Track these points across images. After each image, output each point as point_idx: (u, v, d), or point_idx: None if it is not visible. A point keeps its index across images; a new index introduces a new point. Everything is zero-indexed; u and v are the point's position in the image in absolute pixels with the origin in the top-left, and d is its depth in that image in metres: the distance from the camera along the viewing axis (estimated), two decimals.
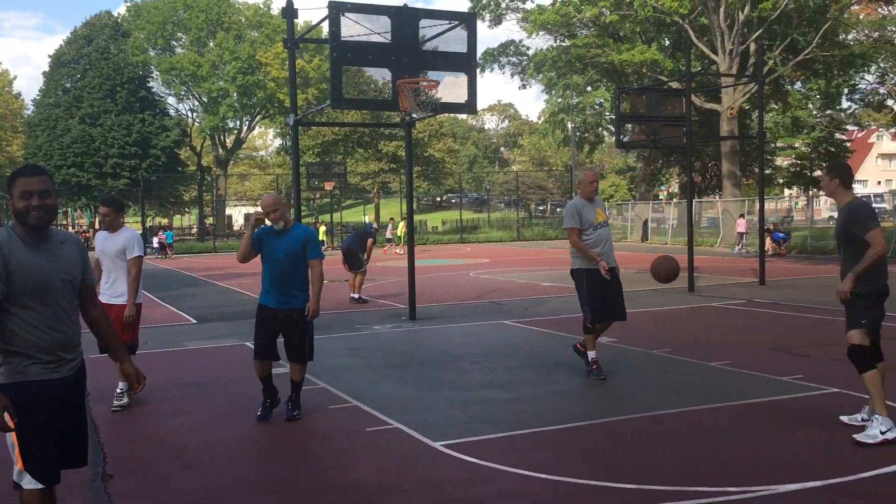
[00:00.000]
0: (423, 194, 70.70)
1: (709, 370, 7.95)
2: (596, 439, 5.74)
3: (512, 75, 47.06)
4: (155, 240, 37.84)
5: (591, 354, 7.71)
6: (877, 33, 38.17)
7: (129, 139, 49.77)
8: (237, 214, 75.21)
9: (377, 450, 5.57)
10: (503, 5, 40.96)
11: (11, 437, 3.24)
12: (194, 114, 59.68)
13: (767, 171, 44.49)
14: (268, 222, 6.31)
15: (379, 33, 11.04)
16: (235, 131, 60.18)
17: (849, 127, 52.02)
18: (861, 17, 38.80)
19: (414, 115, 11.98)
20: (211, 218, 54.88)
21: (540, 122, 57.74)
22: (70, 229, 51.45)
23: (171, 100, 58.67)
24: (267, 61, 51.99)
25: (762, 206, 17.96)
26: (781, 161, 51.59)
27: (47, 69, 54.49)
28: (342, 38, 10.69)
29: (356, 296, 14.84)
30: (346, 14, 10.71)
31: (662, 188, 62.22)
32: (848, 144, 51.73)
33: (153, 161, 50.21)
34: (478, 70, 12.20)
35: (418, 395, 7.19)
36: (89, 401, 4.33)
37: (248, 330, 6.44)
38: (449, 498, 4.62)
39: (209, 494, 4.84)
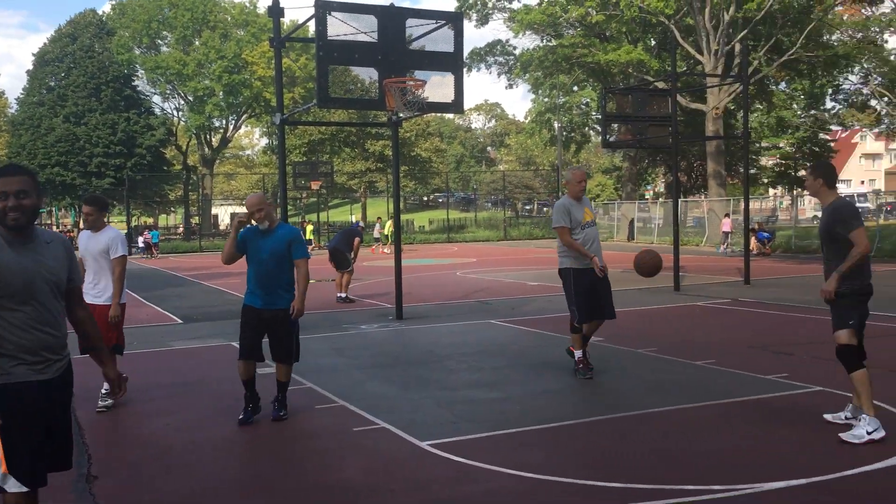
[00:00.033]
0: (409, 194, 70.69)
1: (694, 369, 8.00)
2: (583, 438, 5.76)
3: (499, 75, 47.18)
4: (140, 239, 37.64)
5: (578, 354, 7.73)
6: (860, 34, 38.50)
7: (113, 138, 49.48)
8: (223, 214, 74.91)
9: (364, 450, 5.57)
10: (490, 5, 41.00)
11: None
12: (180, 113, 59.41)
13: (752, 171, 44.74)
14: (253, 222, 6.27)
15: (366, 32, 11.02)
16: (221, 130, 59.93)
17: (833, 127, 52.44)
18: (845, 17, 39.09)
19: (401, 115, 11.97)
20: (197, 217, 54.65)
21: (527, 121, 57.91)
22: (54, 229, 51.07)
23: (156, 99, 58.43)
24: (253, 60, 51.79)
25: (747, 205, 18.07)
26: (766, 161, 51.95)
27: (31, 67, 54.15)
28: (329, 38, 10.66)
29: (343, 295, 14.82)
30: (333, 13, 10.69)
31: (648, 188, 62.53)
32: (832, 144, 52.12)
33: (138, 160, 49.94)
34: (464, 70, 12.20)
35: (405, 395, 7.19)
36: (73, 401, 4.30)
37: (234, 330, 6.42)
38: (436, 497, 4.62)
39: (195, 495, 4.82)
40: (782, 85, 42.81)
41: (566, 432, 5.89)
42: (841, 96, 47.09)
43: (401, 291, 12.68)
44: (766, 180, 50.96)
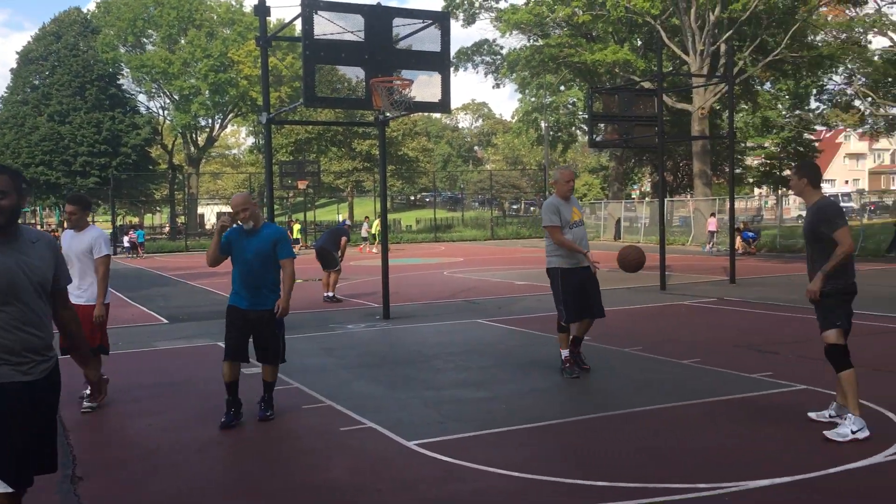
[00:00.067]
0: (397, 193, 70.65)
1: (681, 368, 8.03)
2: (570, 437, 5.78)
3: (486, 74, 47.20)
4: (126, 239, 37.43)
5: (565, 353, 7.75)
6: (844, 35, 38.77)
7: (98, 137, 49.20)
8: (209, 213, 74.53)
9: (351, 449, 5.56)
10: (476, 4, 41.04)
11: None
12: (165, 112, 59.11)
13: (738, 171, 45.02)
14: (240, 222, 6.23)
15: (352, 32, 11.00)
16: (207, 129, 59.67)
17: (817, 127, 52.77)
18: (829, 18, 39.36)
19: (388, 114, 11.96)
20: (182, 217, 54.40)
21: (513, 121, 58.00)
22: (39, 228, 50.71)
23: (141, 97, 58.15)
24: (239, 59, 51.59)
25: (732, 205, 18.16)
26: (751, 161, 52.23)
27: (15, 66, 53.72)
28: (315, 37, 10.64)
29: (330, 294, 14.79)
30: (320, 12, 10.66)
31: (635, 187, 62.78)
32: (816, 144, 52.46)
33: (123, 159, 49.68)
34: (451, 69, 12.21)
35: (392, 395, 7.18)
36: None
37: (220, 330, 6.39)
38: (423, 497, 4.63)
39: (181, 496, 4.80)
40: (767, 85, 43.10)
41: (553, 431, 5.91)
42: (825, 96, 47.42)
43: (388, 291, 12.67)
44: (751, 180, 51.25)
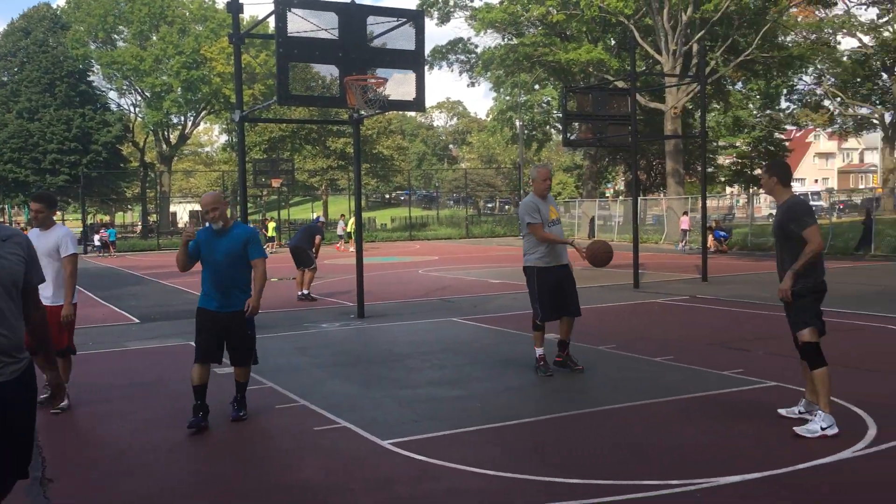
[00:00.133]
0: (371, 191, 70.48)
1: (654, 366, 8.10)
2: (544, 435, 5.80)
3: (460, 73, 47.25)
4: (97, 237, 37.00)
5: (539, 351, 7.78)
6: (814, 35, 39.32)
7: (68, 134, 48.58)
8: (182, 211, 73.93)
9: (324, 449, 5.54)
10: (451, 3, 41.08)
11: None
12: (137, 109, 58.50)
13: (710, 170, 45.47)
14: (209, 222, 6.14)
15: (326, 30, 10.96)
16: (180, 127, 59.12)
17: (787, 127, 53.48)
18: (799, 19, 39.91)
19: (362, 113, 11.94)
20: (154, 215, 53.88)
21: (488, 119, 58.08)
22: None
23: (112, 94, 57.49)
24: (212, 56, 51.16)
25: (704, 203, 18.35)
26: (723, 160, 52.80)
27: None
28: (289, 34, 10.58)
29: (306, 292, 14.72)
30: (293, 10, 10.61)
31: (609, 186, 63.17)
32: (786, 144, 53.17)
33: (94, 157, 49.09)
34: (426, 67, 12.20)
35: (366, 394, 7.17)
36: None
37: (193, 329, 6.33)
38: (397, 496, 4.62)
39: (152, 496, 4.76)
40: (739, 85, 43.56)
41: (528, 429, 5.93)
42: (795, 97, 48.14)
43: (362, 289, 12.64)
44: (723, 179, 51.81)
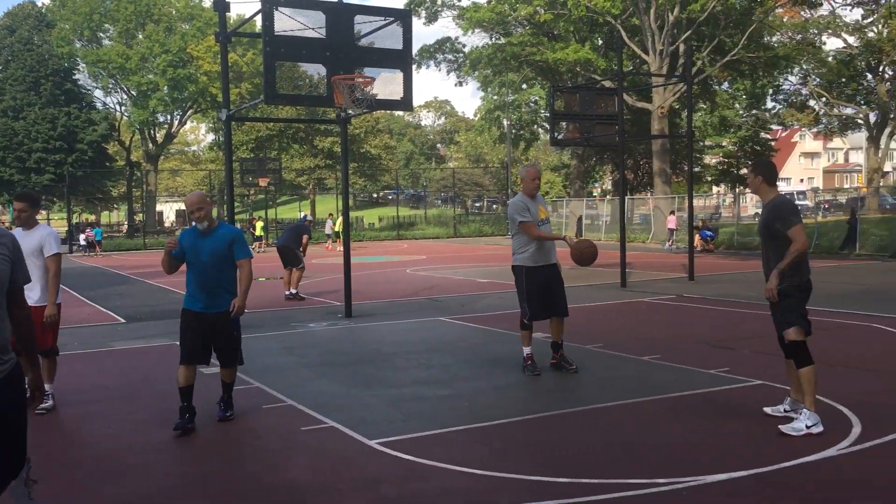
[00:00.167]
0: (359, 191, 70.37)
1: (641, 364, 8.12)
2: (532, 434, 5.81)
3: (448, 72, 47.28)
4: (82, 237, 36.77)
5: (527, 350, 7.79)
6: (800, 36, 39.56)
7: (53, 133, 48.24)
8: (168, 211, 73.59)
9: (312, 449, 5.53)
10: (439, 2, 41.10)
11: None
12: (123, 107, 58.13)
13: (696, 169, 45.67)
14: (194, 222, 6.10)
15: (313, 28, 10.94)
16: (166, 126, 58.80)
17: (773, 126, 53.78)
18: (785, 19, 40.12)
19: (349, 112, 11.91)
20: (141, 214, 53.59)
21: (476, 119, 58.10)
22: None
23: (98, 93, 57.09)
24: (199, 55, 50.90)
25: (691, 202, 18.42)
26: (710, 159, 53.02)
27: None
28: (276, 33, 10.55)
29: (294, 291, 14.68)
30: (280, 8, 10.58)
31: (596, 185, 63.33)
32: (772, 143, 53.45)
33: (79, 156, 48.76)
34: (413, 67, 12.20)
35: (354, 393, 7.15)
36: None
37: (179, 329, 6.30)
38: (384, 496, 4.61)
39: (138, 498, 4.73)
40: (725, 85, 43.78)
41: (515, 428, 5.93)
42: (781, 96, 48.40)
43: (350, 289, 12.62)
44: (709, 178, 52.03)
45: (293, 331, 11.07)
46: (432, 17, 41.52)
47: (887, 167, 64.58)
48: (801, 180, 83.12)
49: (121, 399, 7.20)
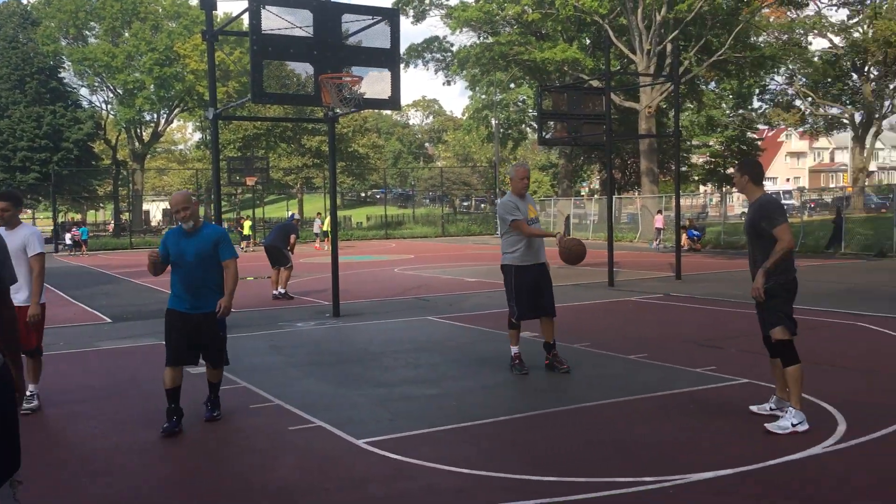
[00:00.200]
0: (347, 190, 70.27)
1: (629, 363, 8.15)
2: (520, 433, 5.81)
3: (436, 71, 47.35)
4: (68, 236, 36.55)
5: (515, 349, 7.80)
6: (786, 36, 39.79)
7: (39, 132, 47.88)
8: (155, 210, 73.24)
9: (299, 449, 5.52)
10: (426, 1, 41.05)
11: None
12: (109, 106, 57.81)
13: (683, 169, 45.84)
14: (180, 222, 6.06)
15: (301, 27, 10.91)
16: (152, 124, 58.52)
17: (759, 126, 54.07)
18: (771, 20, 40.34)
19: (337, 111, 11.89)
20: (127, 214, 53.29)
21: (464, 118, 58.10)
22: None
23: (83, 91, 56.80)
24: (185, 53, 50.69)
25: (678, 202, 18.49)
26: (697, 159, 53.26)
27: None
28: (263, 32, 10.52)
29: (282, 291, 14.64)
30: (267, 7, 10.55)
31: (584, 184, 63.45)
32: (759, 143, 53.74)
33: (65, 154, 48.41)
34: (401, 66, 12.19)
35: (341, 393, 7.14)
36: None
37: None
38: (372, 496, 4.61)
39: (123, 498, 4.70)
40: (712, 85, 44.00)
41: (503, 427, 5.94)
42: (767, 96, 48.70)
43: (338, 288, 12.60)
44: (696, 178, 52.26)
45: (280, 330, 11.04)
46: (420, 16, 41.50)
47: (872, 167, 65.10)
48: (788, 179, 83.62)
49: (106, 399, 7.16)
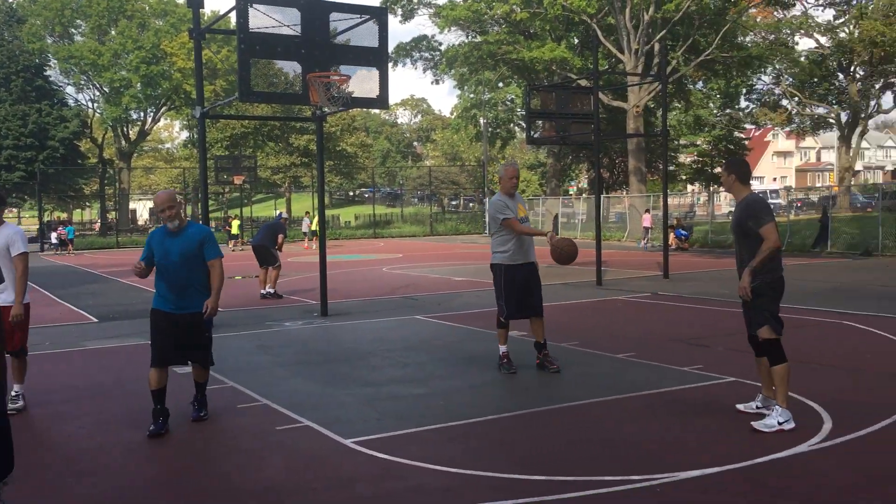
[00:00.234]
0: (335, 189, 70.13)
1: (616, 362, 8.16)
2: (507, 432, 5.81)
3: (424, 70, 47.33)
4: (54, 235, 36.32)
5: (503, 349, 7.80)
6: (773, 36, 39.98)
7: (24, 130, 47.57)
8: (141, 209, 72.89)
9: (287, 448, 5.50)
10: (415, 0, 40.99)
11: None
12: (95, 104, 57.46)
13: (671, 168, 46.03)
14: (164, 221, 6.02)
15: (289, 26, 10.88)
16: (139, 123, 58.22)
17: (746, 125, 54.33)
18: (758, 20, 40.53)
19: (325, 110, 11.86)
20: (114, 212, 53.02)
21: (452, 117, 58.11)
22: None
23: (70, 89, 56.42)
24: (172, 51, 50.45)
25: (666, 201, 18.55)
26: (684, 158, 53.48)
27: None
28: (251, 30, 10.48)
29: (271, 290, 14.59)
30: (255, 5, 10.51)
31: (572, 183, 63.58)
32: (746, 142, 53.99)
33: (51, 153, 48.13)
34: (389, 65, 12.17)
35: (329, 392, 7.12)
36: None
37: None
38: (360, 495, 4.60)
39: (109, 499, 4.67)
40: (699, 84, 44.18)
41: (491, 427, 5.93)
42: (754, 96, 48.93)
43: (325, 287, 12.57)
44: (684, 177, 52.48)
45: (268, 329, 11.00)
46: (408, 15, 41.49)
47: (858, 166, 65.50)
48: (774, 179, 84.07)
49: (92, 399, 7.11)
